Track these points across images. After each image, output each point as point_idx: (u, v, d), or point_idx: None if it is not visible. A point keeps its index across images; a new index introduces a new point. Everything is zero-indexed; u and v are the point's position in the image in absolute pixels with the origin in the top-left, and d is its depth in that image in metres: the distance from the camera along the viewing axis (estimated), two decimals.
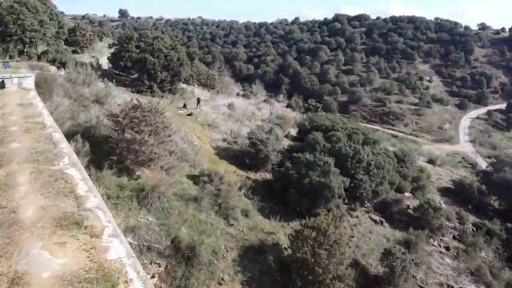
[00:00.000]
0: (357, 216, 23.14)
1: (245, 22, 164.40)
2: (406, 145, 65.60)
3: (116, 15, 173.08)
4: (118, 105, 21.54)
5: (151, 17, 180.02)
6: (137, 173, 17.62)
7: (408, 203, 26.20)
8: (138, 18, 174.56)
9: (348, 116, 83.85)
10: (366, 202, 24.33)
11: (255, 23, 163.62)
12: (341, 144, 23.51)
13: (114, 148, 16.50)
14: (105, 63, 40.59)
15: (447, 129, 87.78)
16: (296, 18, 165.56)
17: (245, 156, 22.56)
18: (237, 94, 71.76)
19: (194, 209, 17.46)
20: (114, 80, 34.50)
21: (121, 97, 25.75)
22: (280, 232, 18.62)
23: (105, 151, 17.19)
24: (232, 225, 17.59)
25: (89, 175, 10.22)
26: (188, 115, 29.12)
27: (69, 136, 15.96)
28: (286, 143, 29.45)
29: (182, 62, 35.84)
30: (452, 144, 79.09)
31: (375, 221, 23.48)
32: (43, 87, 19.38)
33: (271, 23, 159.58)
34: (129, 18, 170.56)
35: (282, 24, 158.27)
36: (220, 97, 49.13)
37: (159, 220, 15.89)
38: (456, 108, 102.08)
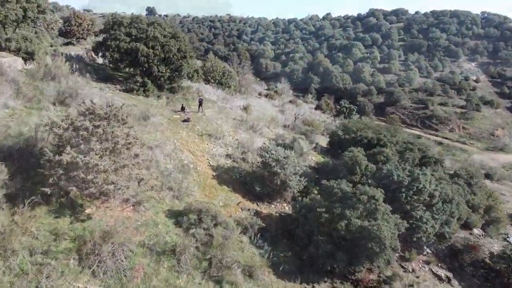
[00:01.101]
0: (413, 271, 16.18)
1: (273, 19, 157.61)
2: (456, 156, 56.52)
3: (144, 13, 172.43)
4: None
5: (178, 15, 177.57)
6: (87, 210, 11.84)
7: (485, 249, 18.71)
8: (166, 15, 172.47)
9: (385, 119, 75.54)
10: (425, 248, 17.32)
11: (284, 19, 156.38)
12: (391, 166, 16.62)
13: (47, 176, 10.81)
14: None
15: (499, 136, 76.72)
16: (328, 14, 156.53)
17: (254, 182, 16.18)
18: (259, 94, 65.57)
19: (169, 269, 11.42)
20: (108, 77, 29.46)
21: (101, 97, 20.29)
22: None
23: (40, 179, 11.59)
24: None
25: None
26: (184, 121, 23.16)
27: None
28: (313, 158, 22.88)
29: (185, 53, 30.01)
30: (507, 153, 68.42)
31: (439, 277, 16.37)
32: None
33: (301, 19, 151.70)
34: (156, 15, 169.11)
35: (312, 20, 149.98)
36: (236, 98, 43.19)
37: None
38: (508, 111, 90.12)
